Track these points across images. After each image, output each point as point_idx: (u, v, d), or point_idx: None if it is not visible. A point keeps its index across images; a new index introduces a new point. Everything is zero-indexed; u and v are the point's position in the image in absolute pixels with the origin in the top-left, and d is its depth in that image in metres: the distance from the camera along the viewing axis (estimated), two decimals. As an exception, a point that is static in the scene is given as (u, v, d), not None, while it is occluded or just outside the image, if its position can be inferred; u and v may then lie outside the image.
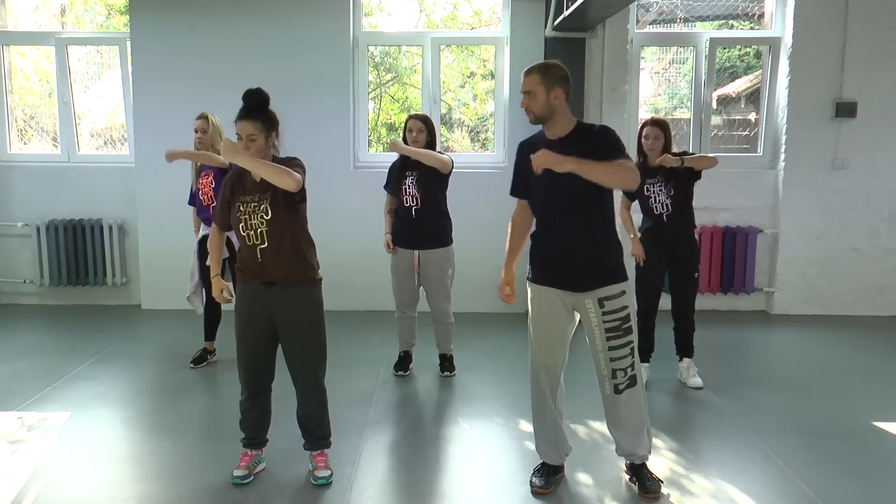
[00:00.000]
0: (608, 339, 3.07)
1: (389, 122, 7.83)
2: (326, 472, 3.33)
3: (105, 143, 7.22)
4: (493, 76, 6.71)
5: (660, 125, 4.41)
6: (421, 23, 7.78)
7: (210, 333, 5.01)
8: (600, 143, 2.95)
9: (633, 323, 3.11)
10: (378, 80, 7.66)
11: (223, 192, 3.28)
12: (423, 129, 4.53)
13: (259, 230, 3.14)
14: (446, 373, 4.83)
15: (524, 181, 3.18)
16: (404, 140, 4.59)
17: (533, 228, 3.24)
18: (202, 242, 4.82)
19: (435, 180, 4.54)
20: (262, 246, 3.15)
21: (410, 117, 4.59)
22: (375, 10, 7.23)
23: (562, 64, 3.08)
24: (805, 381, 4.80)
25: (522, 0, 6.30)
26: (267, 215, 3.12)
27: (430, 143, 4.57)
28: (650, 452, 3.29)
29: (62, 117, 6.74)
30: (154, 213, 6.47)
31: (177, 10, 6.30)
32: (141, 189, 6.49)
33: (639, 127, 4.60)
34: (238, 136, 3.11)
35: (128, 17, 6.58)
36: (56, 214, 6.63)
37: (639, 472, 3.24)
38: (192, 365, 4.93)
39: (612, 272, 3.07)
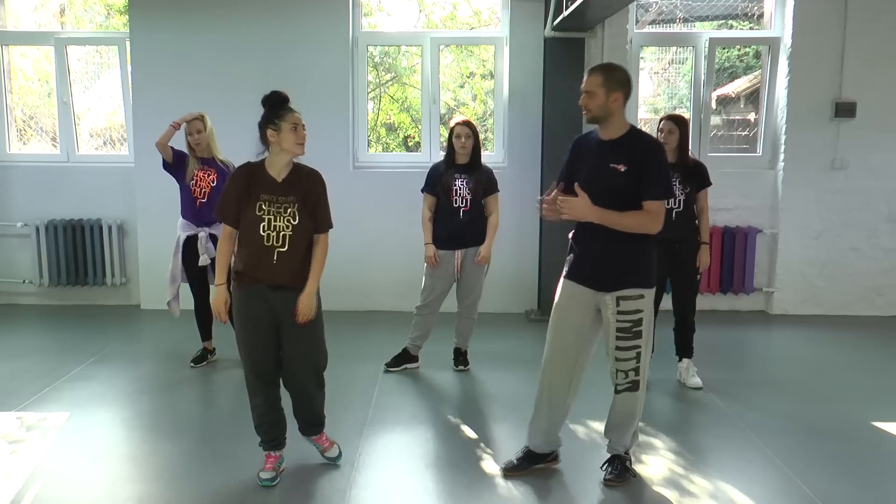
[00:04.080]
0: (616, 338, 3.15)
1: (389, 122, 7.84)
2: (335, 452, 3.49)
3: (104, 143, 7.22)
4: (492, 76, 6.70)
5: (675, 120, 4.44)
6: (420, 23, 7.79)
7: (206, 333, 5.00)
8: (644, 166, 3.05)
9: (647, 330, 3.16)
10: (377, 80, 7.67)
11: (236, 185, 3.20)
12: (471, 134, 4.62)
13: (283, 233, 3.14)
14: (461, 367, 4.89)
15: (569, 174, 3.28)
16: (451, 146, 4.63)
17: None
18: (187, 244, 4.79)
19: (483, 184, 4.67)
20: (282, 249, 3.15)
21: (458, 123, 4.63)
22: (375, 10, 7.23)
23: (625, 68, 3.17)
24: (804, 381, 4.80)
25: (522, 0, 6.30)
26: (294, 220, 3.16)
27: (477, 147, 4.65)
28: (628, 450, 3.38)
29: (61, 117, 6.73)
30: (153, 213, 6.46)
31: (176, 10, 6.30)
32: (140, 189, 6.49)
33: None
34: (293, 128, 3.16)
35: (127, 17, 6.58)
36: (55, 214, 6.63)
37: (612, 460, 3.38)
38: (192, 364, 4.92)
39: (633, 276, 3.13)
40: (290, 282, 3.19)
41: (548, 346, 3.30)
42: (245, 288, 3.20)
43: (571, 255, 3.27)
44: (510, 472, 3.37)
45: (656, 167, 3.07)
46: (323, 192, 3.30)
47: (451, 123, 4.70)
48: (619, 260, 3.11)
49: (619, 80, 3.08)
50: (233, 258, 3.27)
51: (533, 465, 3.39)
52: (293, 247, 3.16)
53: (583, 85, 3.12)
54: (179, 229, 4.83)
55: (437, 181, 4.67)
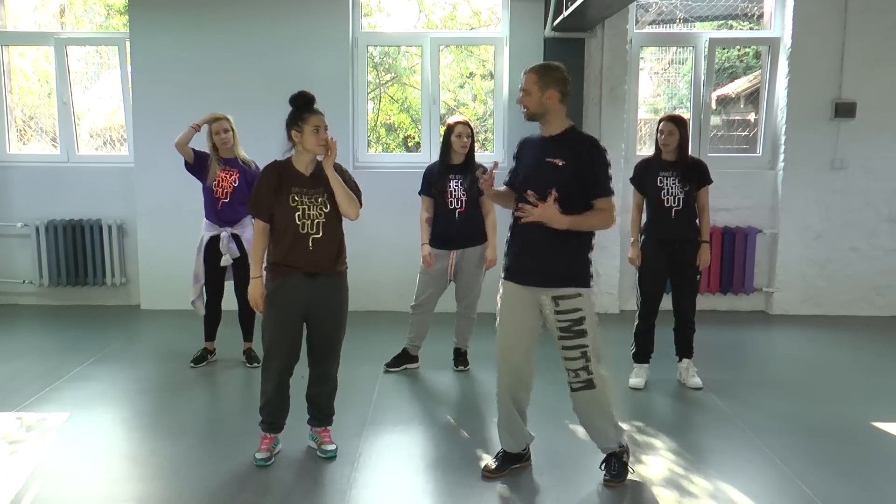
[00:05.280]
0: (560, 338, 3.19)
1: (389, 122, 7.84)
2: (333, 446, 3.56)
3: (104, 143, 7.22)
4: (492, 76, 6.71)
5: (674, 121, 4.45)
6: (420, 23, 7.79)
7: (210, 333, 5.00)
8: (588, 167, 3.11)
9: (591, 328, 3.18)
10: (377, 81, 7.67)
11: (267, 182, 3.36)
12: (470, 133, 4.65)
13: (317, 221, 3.34)
14: (461, 367, 4.89)
15: (516, 172, 3.36)
16: (449, 145, 4.65)
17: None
18: (210, 244, 4.78)
19: (477, 183, 4.61)
20: (317, 236, 3.33)
21: (459, 123, 4.65)
22: (375, 10, 7.23)
23: (562, 67, 3.20)
24: (804, 381, 4.80)
25: (522, 0, 6.30)
26: (326, 208, 3.35)
27: (472, 149, 4.68)
28: (620, 446, 3.35)
29: (61, 117, 6.73)
30: (153, 214, 6.46)
31: (176, 10, 6.30)
32: (140, 189, 6.49)
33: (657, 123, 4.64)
34: (315, 130, 3.29)
35: (127, 17, 6.58)
36: (55, 214, 6.63)
37: (607, 460, 3.36)
38: (192, 364, 4.92)
39: (570, 276, 3.18)
40: (325, 268, 3.36)
41: (496, 347, 3.34)
42: (281, 278, 3.36)
43: (509, 255, 3.31)
44: (490, 474, 3.37)
45: (596, 165, 3.12)
46: (350, 179, 3.46)
47: (450, 121, 4.70)
48: (554, 258, 3.15)
49: (554, 78, 3.13)
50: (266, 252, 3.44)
51: (511, 465, 3.41)
52: (326, 233, 3.34)
53: (521, 83, 3.19)
54: (203, 229, 4.83)
55: (432, 184, 4.69)
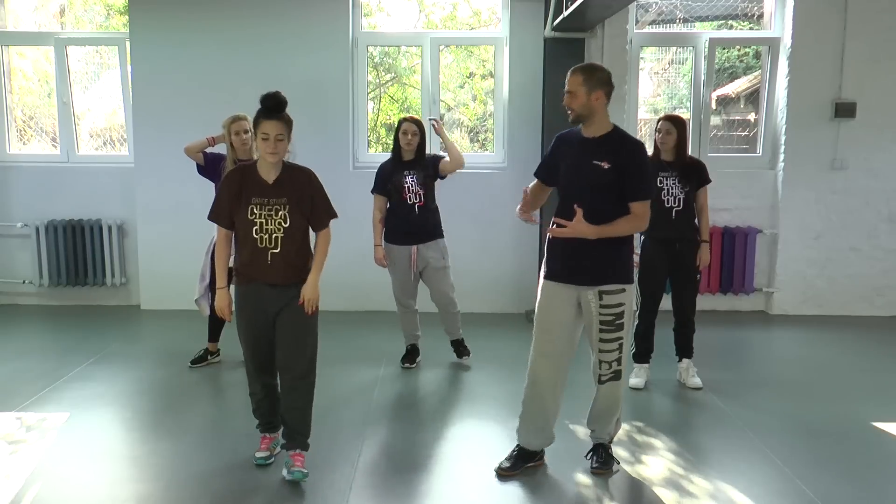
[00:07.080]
0: (600, 331, 3.23)
1: (388, 122, 7.83)
2: (303, 472, 3.25)
3: (104, 143, 7.22)
4: (492, 76, 6.70)
5: (672, 121, 4.46)
6: (420, 23, 7.78)
7: (214, 334, 4.98)
8: (629, 166, 3.14)
9: (627, 322, 3.27)
10: (377, 81, 7.66)
11: (228, 189, 3.26)
12: (417, 132, 4.69)
13: (275, 235, 3.20)
14: (464, 358, 4.92)
15: (551, 170, 3.38)
16: (397, 142, 4.73)
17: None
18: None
19: (433, 178, 4.75)
20: (275, 251, 3.21)
21: (404, 120, 4.74)
22: (375, 10, 7.22)
23: (606, 68, 3.25)
24: (804, 381, 4.80)
25: (522, 0, 6.30)
26: (285, 222, 3.20)
27: (422, 146, 4.73)
28: (612, 438, 3.47)
29: (61, 117, 6.73)
30: (153, 214, 6.46)
31: (176, 10, 6.30)
32: (140, 189, 6.49)
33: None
34: (264, 137, 3.12)
35: (127, 17, 6.58)
36: (55, 215, 6.63)
37: (596, 449, 3.45)
38: (190, 365, 4.92)
39: (616, 272, 3.22)
40: (284, 280, 3.25)
41: (535, 346, 3.37)
42: (244, 285, 3.30)
43: (548, 256, 3.33)
44: (505, 472, 3.38)
45: (640, 168, 3.17)
46: (318, 189, 3.31)
47: (400, 119, 4.79)
48: (597, 257, 3.18)
49: (601, 80, 3.16)
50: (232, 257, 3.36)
51: (525, 464, 3.42)
52: (285, 248, 3.22)
53: (566, 85, 3.19)
54: (215, 230, 4.80)
55: (386, 180, 4.71)
